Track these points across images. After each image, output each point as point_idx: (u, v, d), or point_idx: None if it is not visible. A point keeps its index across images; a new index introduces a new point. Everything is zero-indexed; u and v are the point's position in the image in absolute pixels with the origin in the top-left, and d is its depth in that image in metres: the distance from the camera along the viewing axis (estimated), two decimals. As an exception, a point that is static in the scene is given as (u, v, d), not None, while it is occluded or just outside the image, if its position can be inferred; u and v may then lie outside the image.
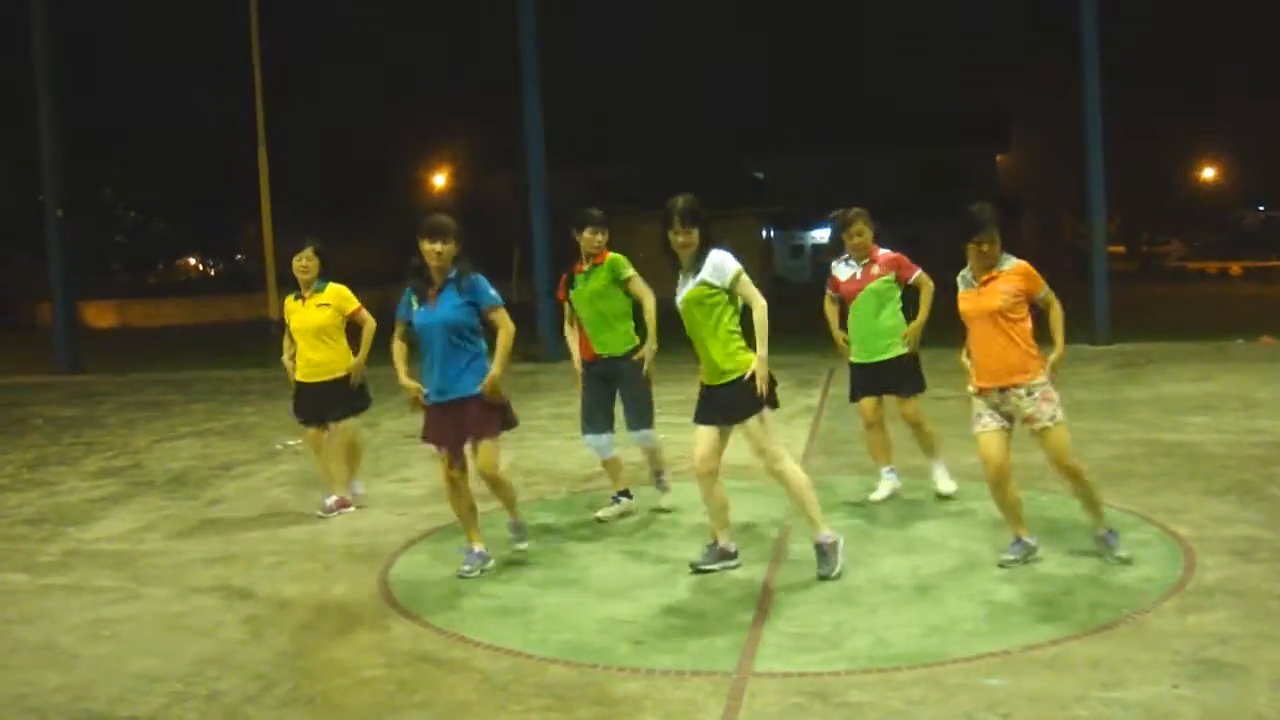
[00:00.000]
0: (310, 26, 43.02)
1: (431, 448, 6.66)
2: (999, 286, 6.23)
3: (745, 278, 6.28)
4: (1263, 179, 58.71)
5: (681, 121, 49.79)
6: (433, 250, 6.42)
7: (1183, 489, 8.16)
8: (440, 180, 55.50)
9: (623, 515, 7.90)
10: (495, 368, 6.49)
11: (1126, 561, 6.28)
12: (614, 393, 7.79)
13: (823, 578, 6.24)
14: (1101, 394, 13.45)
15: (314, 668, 5.35)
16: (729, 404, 6.31)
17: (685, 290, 6.30)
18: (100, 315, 43.86)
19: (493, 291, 6.56)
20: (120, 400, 17.07)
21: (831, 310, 8.20)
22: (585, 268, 7.67)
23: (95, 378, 21.12)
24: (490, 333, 6.57)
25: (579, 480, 9.28)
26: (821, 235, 48.22)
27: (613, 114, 49.58)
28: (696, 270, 6.25)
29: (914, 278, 7.86)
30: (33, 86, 22.31)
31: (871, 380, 7.99)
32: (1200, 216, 63.00)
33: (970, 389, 6.36)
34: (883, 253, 7.90)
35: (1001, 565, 6.33)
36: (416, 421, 6.84)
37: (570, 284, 7.77)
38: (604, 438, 7.83)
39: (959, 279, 6.46)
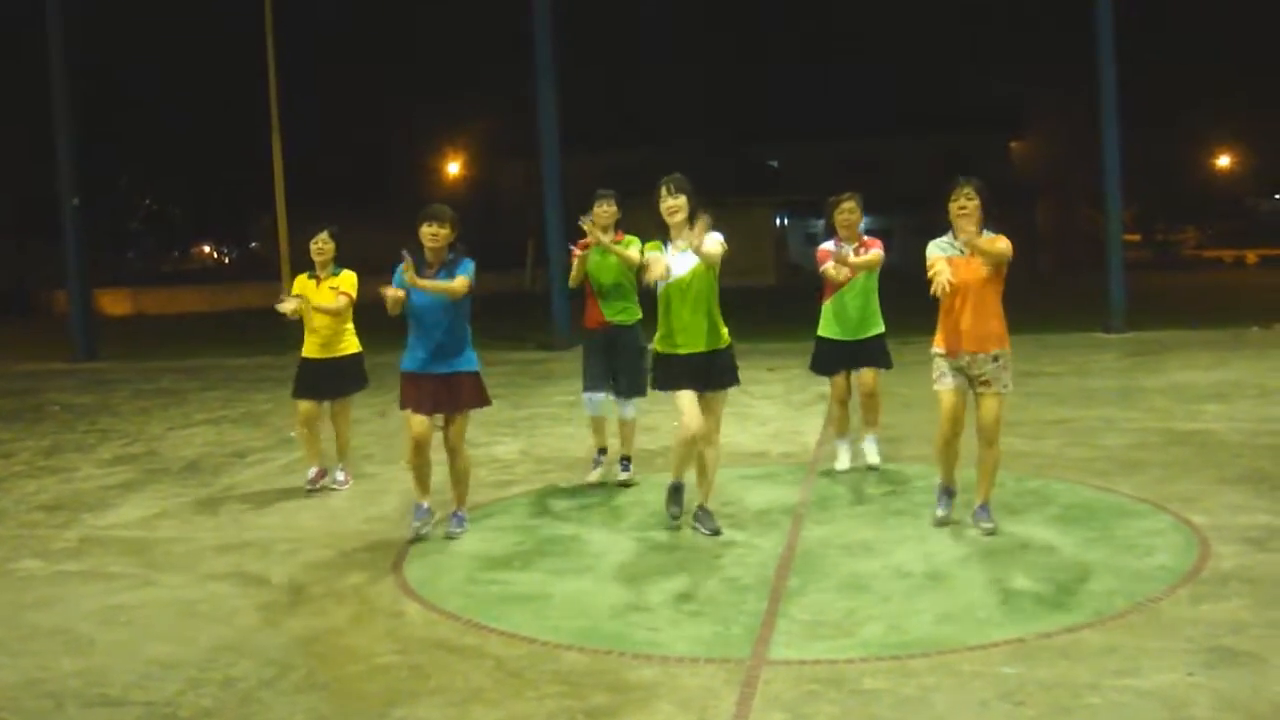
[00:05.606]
0: (324, 12, 43.01)
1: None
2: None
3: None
4: (1279, 167, 58.35)
5: (695, 108, 49.61)
6: (429, 232, 6.97)
7: (1197, 477, 8.14)
8: (454, 169, 55.43)
9: (603, 480, 8.52)
10: (432, 283, 6.84)
11: (992, 532, 6.64)
12: (613, 361, 8.32)
13: (714, 533, 6.93)
14: (1116, 382, 13.43)
15: (328, 654, 5.37)
16: (724, 370, 6.97)
17: (696, 261, 6.73)
18: (115, 303, 43.86)
19: (472, 269, 7.00)
20: (135, 387, 17.12)
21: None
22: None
23: (110, 365, 21.15)
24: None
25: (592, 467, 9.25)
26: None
27: (626, 100, 49.41)
28: (694, 240, 6.63)
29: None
30: (47, 73, 22.33)
31: (852, 356, 8.45)
32: (1216, 205, 62.72)
33: (937, 349, 6.71)
34: (866, 236, 8.39)
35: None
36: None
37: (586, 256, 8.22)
38: (602, 395, 8.41)
39: (935, 247, 6.68)
